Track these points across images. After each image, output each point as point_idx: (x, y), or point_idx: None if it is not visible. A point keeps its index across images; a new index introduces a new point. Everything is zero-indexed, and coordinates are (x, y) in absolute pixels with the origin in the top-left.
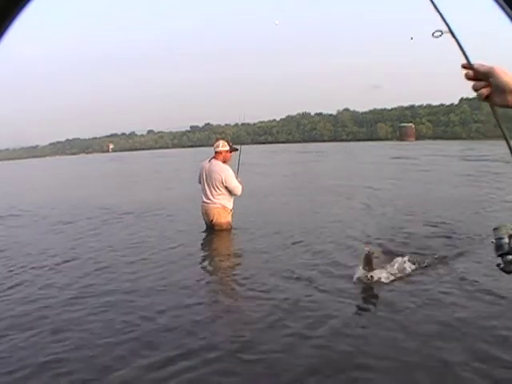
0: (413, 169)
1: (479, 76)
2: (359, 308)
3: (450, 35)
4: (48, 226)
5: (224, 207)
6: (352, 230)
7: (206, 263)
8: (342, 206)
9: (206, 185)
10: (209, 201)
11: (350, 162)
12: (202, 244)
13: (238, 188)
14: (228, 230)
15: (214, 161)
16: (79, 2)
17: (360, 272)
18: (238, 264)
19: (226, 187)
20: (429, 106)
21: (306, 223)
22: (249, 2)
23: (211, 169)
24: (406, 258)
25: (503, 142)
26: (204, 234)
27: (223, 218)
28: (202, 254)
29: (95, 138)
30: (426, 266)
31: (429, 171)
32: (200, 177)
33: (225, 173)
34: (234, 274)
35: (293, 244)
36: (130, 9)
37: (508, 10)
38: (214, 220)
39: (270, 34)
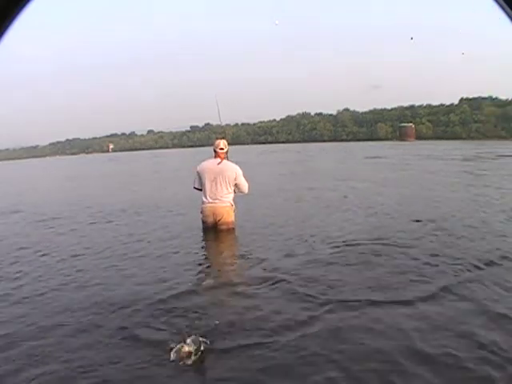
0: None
1: None
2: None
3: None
4: (40, 223)
5: (232, 205)
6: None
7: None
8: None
9: (213, 184)
10: (217, 200)
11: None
12: (209, 243)
13: (246, 186)
14: (233, 228)
15: (221, 160)
16: (79, 2)
17: None
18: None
19: (236, 185)
20: (429, 106)
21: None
22: (249, 2)
23: (222, 168)
24: None
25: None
26: (208, 234)
27: (230, 216)
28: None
29: (95, 138)
30: None
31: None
32: (200, 178)
33: (237, 171)
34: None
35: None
36: (129, 9)
37: (508, 9)
38: (222, 219)
39: (270, 34)
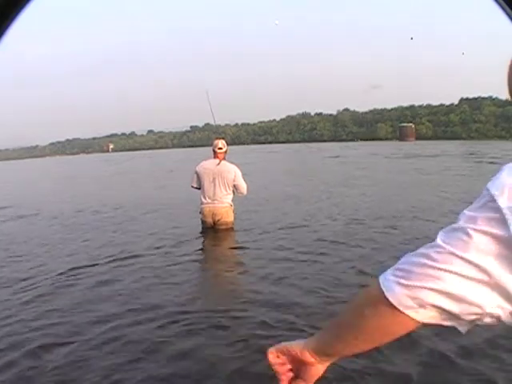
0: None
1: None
2: None
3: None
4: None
5: (231, 206)
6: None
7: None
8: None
9: (213, 185)
10: (216, 201)
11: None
12: (207, 241)
13: (245, 187)
14: (232, 227)
15: (219, 161)
16: (80, 2)
17: None
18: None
19: (234, 186)
20: (429, 106)
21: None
22: (249, 2)
23: (221, 169)
24: None
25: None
26: (208, 233)
27: (230, 216)
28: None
29: (95, 138)
30: None
31: None
32: (199, 179)
33: (236, 172)
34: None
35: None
36: (130, 10)
37: (508, 9)
38: (222, 220)
39: (270, 34)
